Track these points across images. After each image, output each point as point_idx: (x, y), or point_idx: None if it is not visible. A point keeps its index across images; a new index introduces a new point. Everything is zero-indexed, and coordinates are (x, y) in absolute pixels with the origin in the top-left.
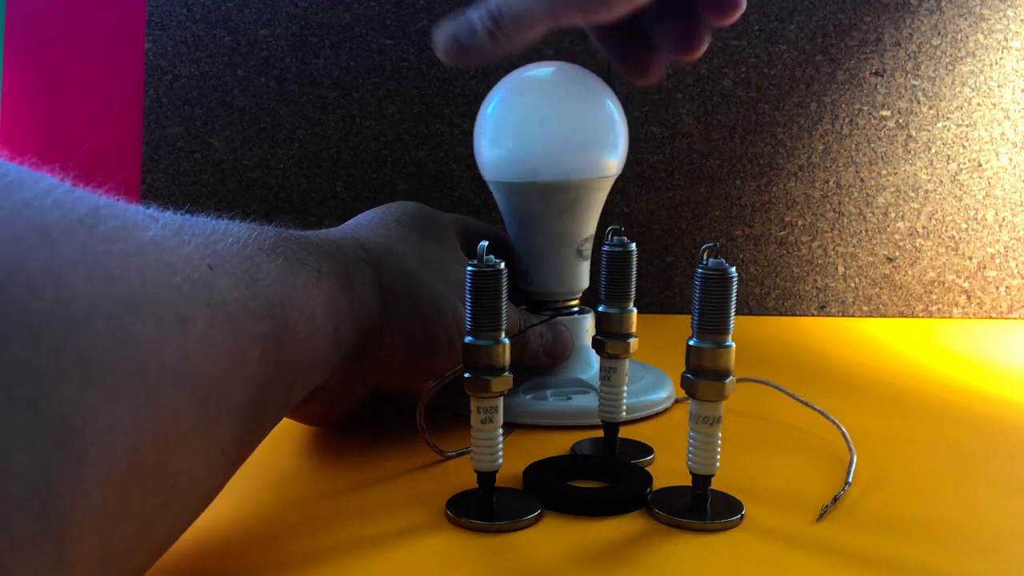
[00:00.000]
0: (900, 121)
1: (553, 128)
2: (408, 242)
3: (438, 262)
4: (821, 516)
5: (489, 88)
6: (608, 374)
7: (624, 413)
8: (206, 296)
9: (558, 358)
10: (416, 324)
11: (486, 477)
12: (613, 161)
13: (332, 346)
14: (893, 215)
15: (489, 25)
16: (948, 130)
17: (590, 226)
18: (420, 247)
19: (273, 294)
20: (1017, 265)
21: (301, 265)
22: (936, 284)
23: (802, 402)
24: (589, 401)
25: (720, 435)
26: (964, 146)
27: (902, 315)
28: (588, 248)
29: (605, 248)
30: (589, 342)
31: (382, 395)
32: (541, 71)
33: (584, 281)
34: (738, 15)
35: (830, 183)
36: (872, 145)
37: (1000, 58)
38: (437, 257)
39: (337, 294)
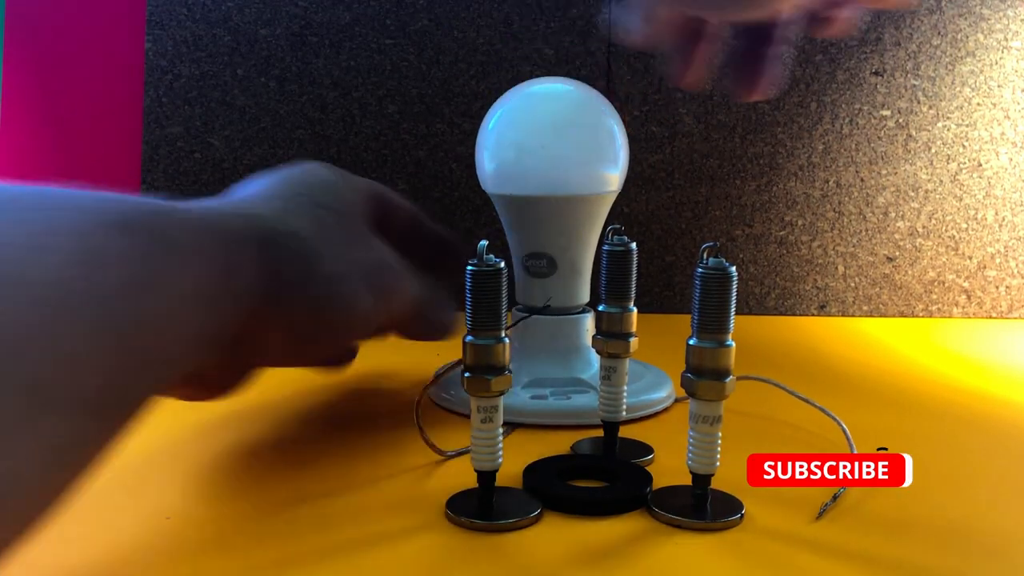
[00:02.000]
0: (900, 121)
1: (554, 143)
2: (306, 217)
3: (340, 239)
4: (820, 515)
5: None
6: (608, 373)
7: (624, 412)
8: (27, 274)
9: (436, 337)
10: (303, 311)
11: (486, 477)
12: (615, 175)
13: (198, 333)
14: (893, 215)
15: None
16: (948, 130)
17: (592, 240)
18: (320, 223)
19: (115, 276)
20: (1017, 265)
21: (165, 244)
22: (936, 284)
23: (802, 398)
24: (589, 400)
25: (720, 434)
26: (964, 146)
27: (902, 315)
28: (587, 263)
29: (605, 248)
30: (589, 341)
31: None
32: (543, 87)
33: (583, 296)
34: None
35: (830, 183)
36: (872, 145)
37: (1000, 58)
38: (339, 233)
39: (211, 277)
